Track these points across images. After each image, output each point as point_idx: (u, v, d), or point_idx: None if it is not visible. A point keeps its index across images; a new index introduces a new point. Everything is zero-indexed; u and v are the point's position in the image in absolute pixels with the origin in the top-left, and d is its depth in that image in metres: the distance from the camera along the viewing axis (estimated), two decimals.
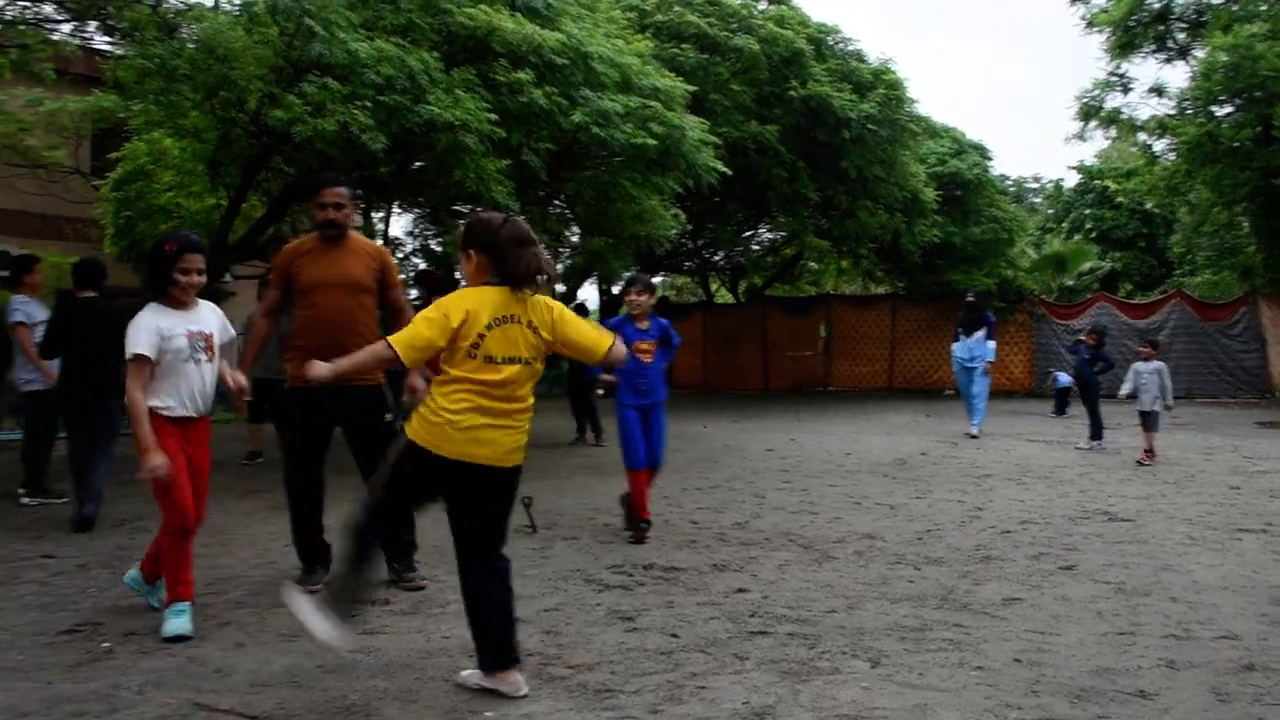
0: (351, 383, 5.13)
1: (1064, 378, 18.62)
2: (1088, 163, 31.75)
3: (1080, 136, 23.62)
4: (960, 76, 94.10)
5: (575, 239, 17.80)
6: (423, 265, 28.53)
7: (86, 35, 12.37)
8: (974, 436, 13.71)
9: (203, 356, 4.66)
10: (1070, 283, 26.78)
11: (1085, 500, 8.38)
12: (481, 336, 3.62)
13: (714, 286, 30.54)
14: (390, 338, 3.67)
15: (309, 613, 3.70)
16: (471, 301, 3.66)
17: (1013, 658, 4.19)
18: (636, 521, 6.75)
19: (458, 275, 16.25)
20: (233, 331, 4.97)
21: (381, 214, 25.29)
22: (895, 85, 19.05)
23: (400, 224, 41.51)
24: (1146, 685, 3.86)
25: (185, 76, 9.13)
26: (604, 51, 10.07)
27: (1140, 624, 4.72)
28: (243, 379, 5.18)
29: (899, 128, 18.94)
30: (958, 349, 14.15)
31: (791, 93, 17.67)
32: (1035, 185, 43.44)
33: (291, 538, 5.56)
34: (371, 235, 25.47)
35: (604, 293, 24.44)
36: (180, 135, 12.39)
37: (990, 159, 24.07)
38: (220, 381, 4.94)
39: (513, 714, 3.55)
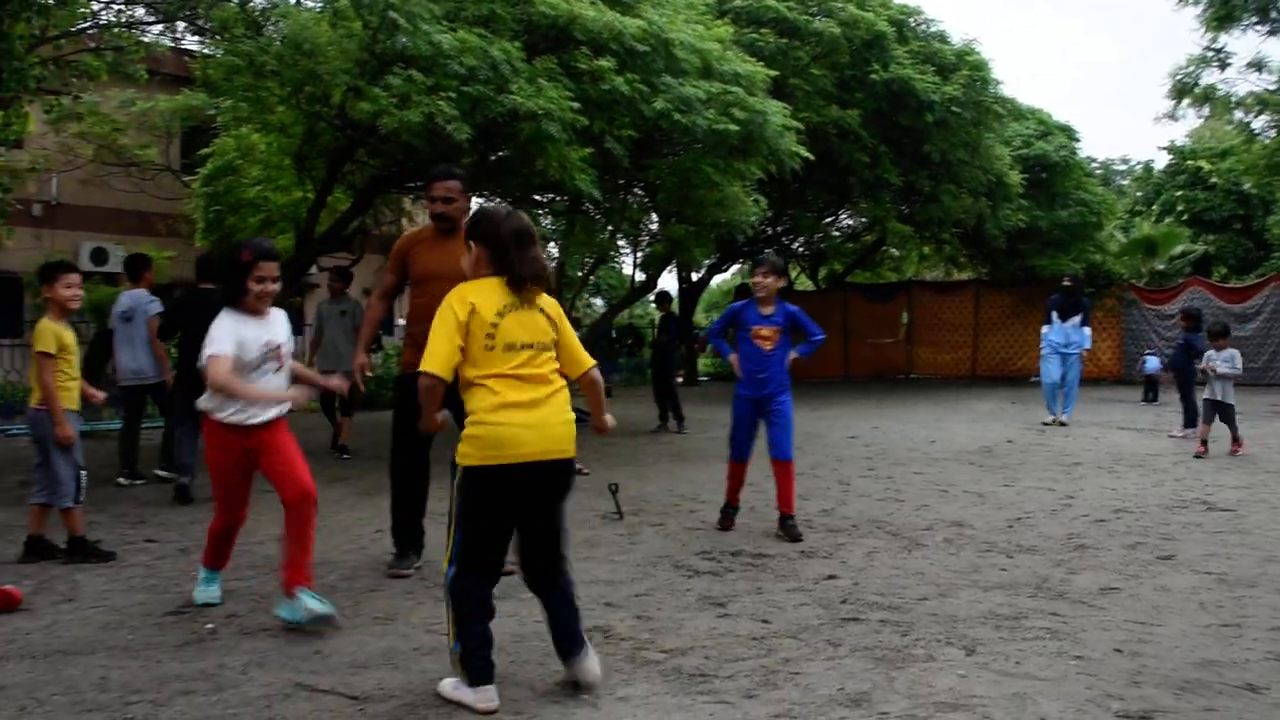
0: None
1: (1152, 362, 18.23)
2: (1179, 143, 30.82)
3: (1172, 115, 22.93)
4: (1047, 54, 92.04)
5: (654, 227, 17.76)
6: None
7: (176, 35, 12.69)
8: (1063, 424, 13.30)
9: (270, 366, 4.68)
10: (1161, 267, 26.05)
11: (1181, 489, 8.18)
12: (495, 325, 3.58)
13: (794, 274, 30.30)
14: (422, 366, 3.59)
15: (458, 693, 3.58)
16: (474, 293, 3.64)
17: (1113, 648, 4.11)
18: (724, 507, 6.68)
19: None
20: (293, 337, 4.97)
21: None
22: (980, 67, 18.66)
23: None
24: (1255, 679, 3.76)
25: (273, 72, 9.30)
26: (685, 37, 10.03)
27: (1246, 616, 4.59)
28: (335, 381, 5.29)
29: (983, 110, 18.55)
30: (1052, 334, 13.61)
31: (873, 76, 17.42)
32: (1123, 167, 42.37)
33: (391, 520, 5.66)
34: None
35: (683, 281, 24.41)
36: (267, 130, 12.65)
37: (1078, 140, 23.49)
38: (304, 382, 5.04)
39: (609, 697, 3.58)
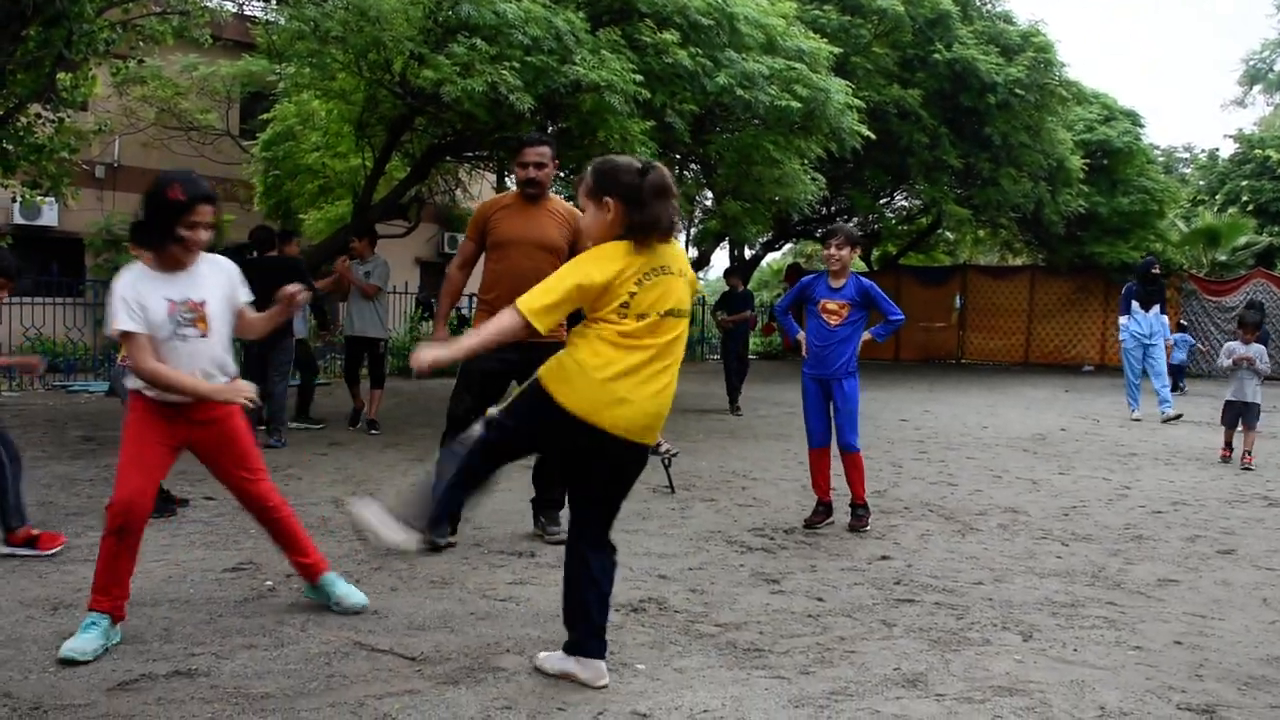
0: (533, 340, 5.06)
1: (1180, 354, 18.07)
2: (1247, 130, 30.16)
3: (1241, 102, 22.46)
4: (1114, 35, 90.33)
5: (708, 202, 17.70)
6: None
7: (239, 1, 12.78)
8: (1175, 418, 12.40)
9: (190, 331, 3.83)
10: (1223, 258, 25.53)
11: (1241, 483, 8.05)
12: (632, 295, 3.29)
13: (873, 256, 30.09)
14: (519, 303, 3.26)
15: (376, 519, 3.38)
16: (618, 259, 3.31)
17: (1173, 640, 4.06)
18: (817, 505, 6.13)
19: None
20: (247, 292, 4.17)
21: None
22: (1045, 48, 18.35)
23: None
24: None
25: (336, 38, 9.34)
26: (749, 12, 9.96)
27: None
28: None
29: (1047, 93, 18.25)
30: (1135, 323, 12.75)
31: (936, 56, 17.20)
32: (1186, 154, 41.52)
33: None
34: None
35: (735, 258, 24.32)
36: (328, 97, 12.73)
37: (1142, 126, 23.06)
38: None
39: (665, 669, 3.60)
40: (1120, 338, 13.00)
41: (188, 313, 3.83)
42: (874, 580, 4.87)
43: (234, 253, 8.50)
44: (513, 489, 6.99)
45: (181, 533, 5.57)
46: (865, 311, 6.00)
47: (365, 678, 3.46)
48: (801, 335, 6.22)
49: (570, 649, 3.51)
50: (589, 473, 3.48)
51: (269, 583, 4.62)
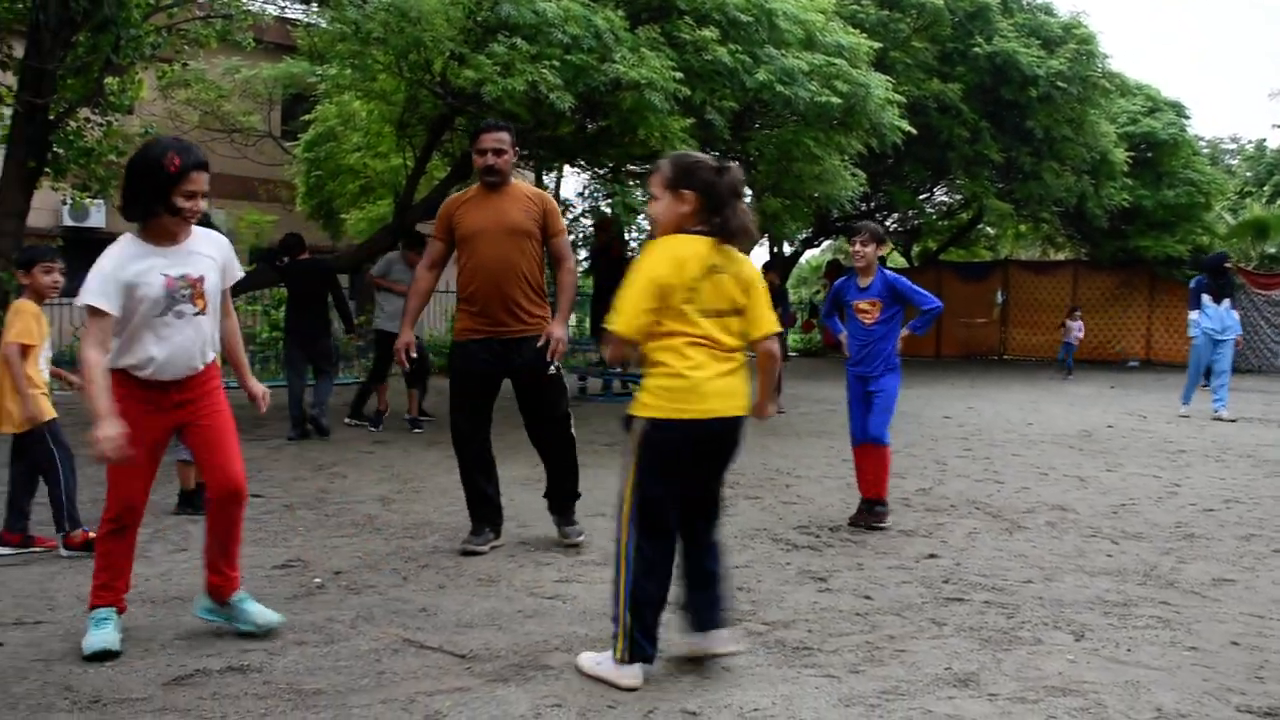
0: (514, 333, 5.15)
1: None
2: None
3: None
4: (1156, 25, 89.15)
5: (748, 199, 17.68)
6: (591, 226, 28.86)
7: (281, 4, 12.91)
8: (1228, 420, 12.08)
9: (189, 309, 3.65)
10: (1272, 250, 25.13)
11: None
12: (693, 290, 3.37)
13: (886, 251, 29.90)
14: (608, 323, 3.40)
15: (600, 669, 3.46)
16: (681, 250, 3.40)
17: (1230, 640, 3.99)
18: (865, 503, 6.04)
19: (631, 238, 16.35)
20: (240, 270, 4.05)
21: (552, 175, 25.69)
22: (1087, 40, 18.15)
23: (571, 185, 42.11)
24: None
25: (377, 39, 9.39)
26: (788, 8, 9.91)
27: None
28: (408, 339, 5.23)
29: (1090, 85, 18.05)
30: (1207, 318, 12.27)
31: (976, 49, 17.06)
32: (1233, 145, 40.93)
33: (465, 495, 5.41)
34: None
35: (774, 255, 24.23)
36: (369, 98, 12.80)
37: (1188, 118, 22.74)
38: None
39: (714, 666, 3.59)
40: (1190, 333, 12.57)
41: (185, 288, 3.64)
42: (922, 578, 4.83)
43: (265, 257, 8.68)
44: None
45: None
46: (899, 307, 5.99)
47: (415, 675, 3.49)
48: (843, 335, 6.24)
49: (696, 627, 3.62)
50: (706, 469, 3.65)
51: (318, 580, 4.66)
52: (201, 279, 3.69)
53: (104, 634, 3.61)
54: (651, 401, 3.43)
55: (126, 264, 3.54)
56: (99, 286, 3.48)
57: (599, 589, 4.56)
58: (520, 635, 3.92)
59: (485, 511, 5.35)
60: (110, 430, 3.39)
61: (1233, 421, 11.99)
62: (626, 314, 3.38)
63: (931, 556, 5.26)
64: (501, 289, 5.13)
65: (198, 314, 3.68)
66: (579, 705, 3.23)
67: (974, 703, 3.31)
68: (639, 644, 3.41)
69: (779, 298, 12.59)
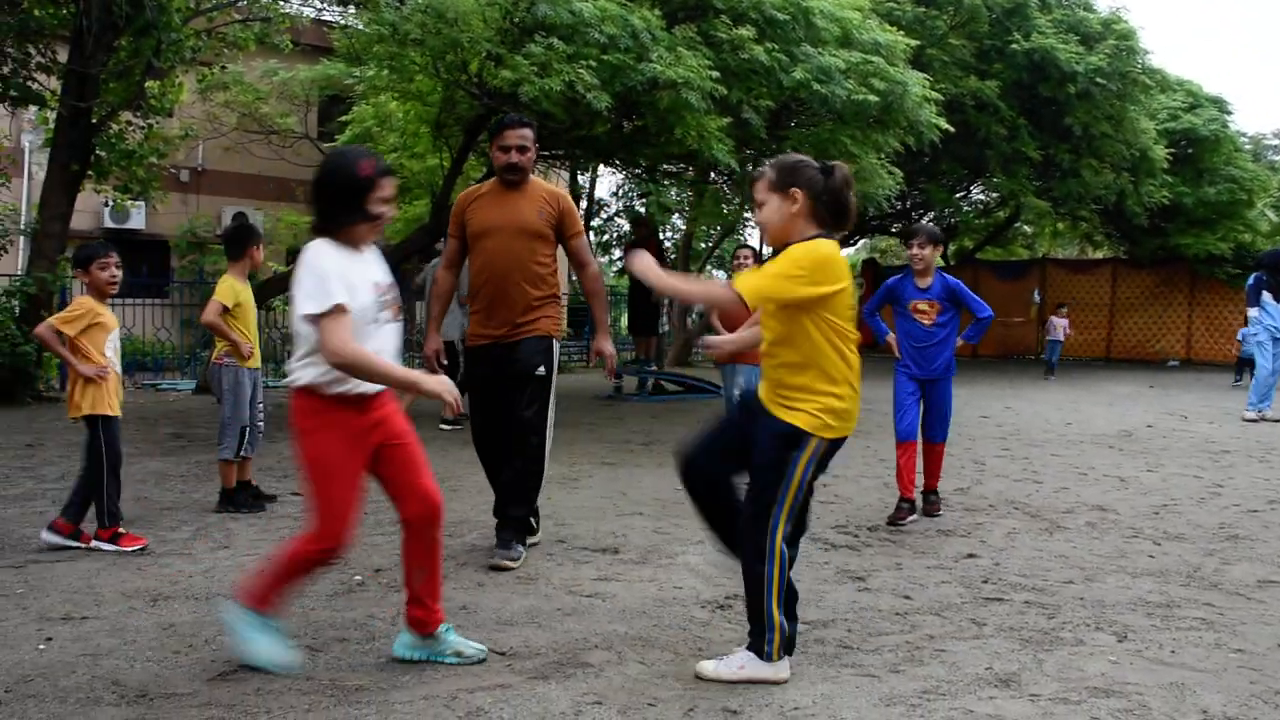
0: (518, 335, 5.02)
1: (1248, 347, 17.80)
2: None
3: None
4: (1198, 19, 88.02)
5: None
6: (626, 226, 28.87)
7: (318, 6, 13.02)
8: (1273, 419, 11.76)
9: (386, 315, 3.50)
10: None
11: None
12: (846, 290, 3.43)
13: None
14: (738, 284, 3.33)
15: (742, 671, 3.44)
16: (840, 257, 3.42)
17: (1276, 643, 3.94)
18: (900, 501, 6.09)
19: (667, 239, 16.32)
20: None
21: (587, 175, 25.73)
22: (1127, 36, 17.95)
23: (605, 185, 42.12)
24: None
25: (415, 41, 9.46)
26: (825, 6, 9.88)
27: None
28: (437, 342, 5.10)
29: (1129, 81, 17.86)
30: (1268, 315, 11.84)
31: (1014, 46, 16.92)
32: (1276, 141, 40.29)
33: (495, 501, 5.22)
34: (577, 196, 25.98)
35: None
36: (405, 99, 12.89)
37: (1230, 113, 22.44)
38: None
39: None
40: (1250, 331, 12.19)
41: (384, 295, 3.49)
42: (961, 578, 4.81)
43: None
44: (593, 485, 7.04)
45: (271, 528, 5.69)
46: (955, 310, 6.04)
47: (456, 672, 3.51)
48: (891, 337, 6.24)
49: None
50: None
51: (358, 577, 4.70)
52: (392, 285, 3.57)
53: (271, 643, 3.43)
54: (822, 419, 3.40)
55: (343, 267, 3.33)
56: (334, 285, 3.25)
57: (637, 588, 4.57)
58: (560, 633, 3.93)
59: (517, 522, 5.14)
60: (432, 380, 3.35)
61: (1275, 421, 11.82)
62: (761, 290, 3.36)
63: (970, 556, 5.23)
64: (508, 290, 4.99)
65: (392, 322, 3.55)
66: (620, 703, 3.24)
67: (1015, 703, 3.29)
68: (790, 639, 3.47)
69: None
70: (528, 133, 5.07)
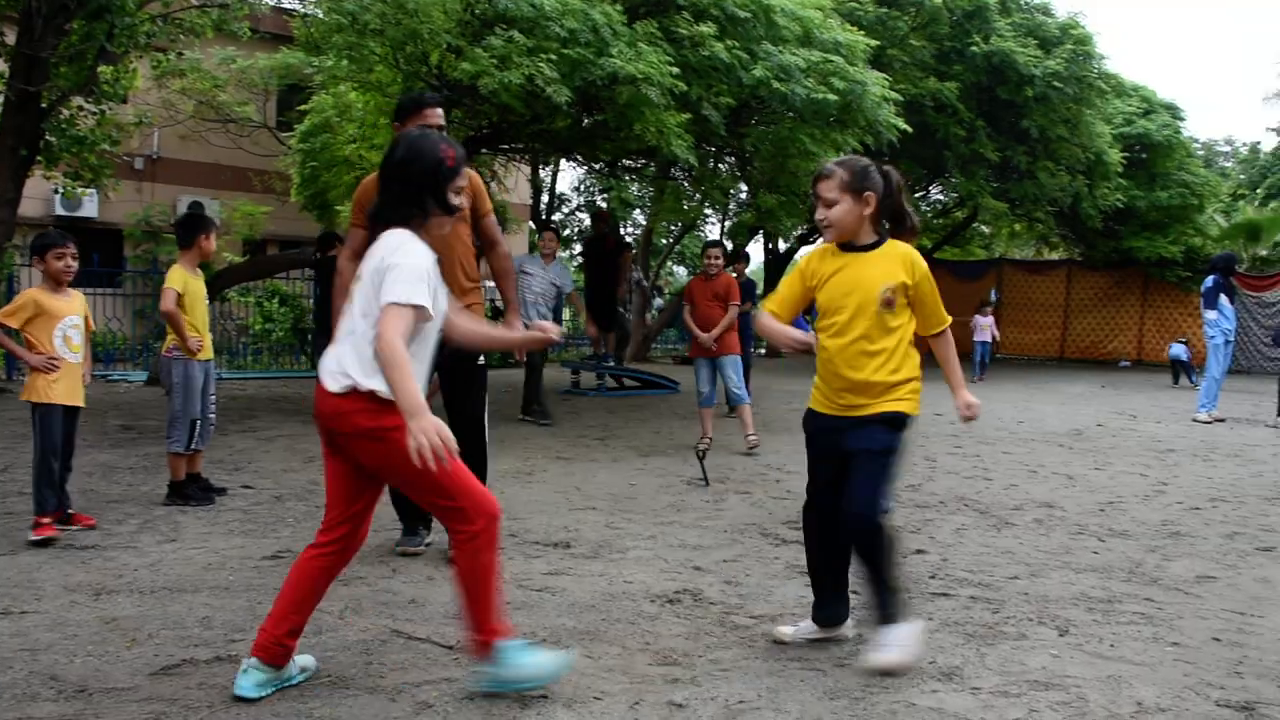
0: None
1: (1177, 349, 18.65)
2: None
3: None
4: (1152, 27, 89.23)
5: (744, 195, 17.66)
6: (587, 220, 28.85)
7: None
8: (1204, 421, 12.00)
9: (434, 326, 3.26)
10: (1264, 253, 25.19)
11: None
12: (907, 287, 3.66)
13: None
14: (944, 320, 3.72)
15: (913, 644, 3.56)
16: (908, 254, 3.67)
17: (1211, 636, 4.02)
18: None
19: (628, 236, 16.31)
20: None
21: (548, 169, 25.66)
22: (1084, 41, 18.15)
23: (566, 180, 42.06)
24: None
25: (374, 31, 9.38)
26: (785, 5, 9.91)
27: None
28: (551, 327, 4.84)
29: (1086, 86, 18.06)
30: (1224, 318, 12.11)
31: (973, 48, 17.06)
32: (1227, 148, 41.00)
33: (391, 495, 4.98)
34: (538, 190, 25.89)
35: (770, 251, 24.25)
36: (365, 89, 12.78)
37: (1183, 119, 22.79)
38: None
39: (701, 659, 3.60)
40: (1208, 334, 12.21)
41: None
42: (909, 574, 4.84)
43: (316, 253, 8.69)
44: (548, 480, 7.04)
45: (220, 521, 5.64)
46: None
47: (403, 665, 3.50)
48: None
49: (822, 621, 3.80)
50: None
51: None
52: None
53: (542, 657, 3.25)
54: (916, 404, 3.66)
55: (433, 268, 3.14)
56: (424, 285, 3.05)
57: (588, 582, 4.58)
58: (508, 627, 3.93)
59: (421, 512, 5.08)
60: (430, 423, 2.87)
61: (1222, 421, 12.03)
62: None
63: (919, 552, 5.29)
64: (444, 279, 4.95)
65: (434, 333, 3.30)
66: (565, 696, 3.24)
67: (957, 696, 3.33)
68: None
69: (747, 290, 12.68)
70: (442, 112, 4.98)
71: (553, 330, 3.70)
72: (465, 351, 4.82)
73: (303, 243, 18.88)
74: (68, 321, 5.33)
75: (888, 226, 3.70)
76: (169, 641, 3.68)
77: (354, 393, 3.07)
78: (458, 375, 5.00)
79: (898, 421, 3.58)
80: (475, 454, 5.00)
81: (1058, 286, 24.64)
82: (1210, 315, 12.15)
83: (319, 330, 10.20)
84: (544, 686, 3.21)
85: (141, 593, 4.27)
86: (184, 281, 5.99)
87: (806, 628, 3.82)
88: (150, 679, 3.32)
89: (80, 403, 5.42)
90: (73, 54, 10.05)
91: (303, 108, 15.75)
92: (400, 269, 3.02)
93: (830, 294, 3.67)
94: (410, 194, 3.17)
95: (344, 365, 3.11)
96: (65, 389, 5.28)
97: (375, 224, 3.22)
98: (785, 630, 3.83)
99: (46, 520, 5.12)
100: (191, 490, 6.09)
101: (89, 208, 17.68)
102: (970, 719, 3.15)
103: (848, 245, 3.65)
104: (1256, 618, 4.31)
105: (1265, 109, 46.17)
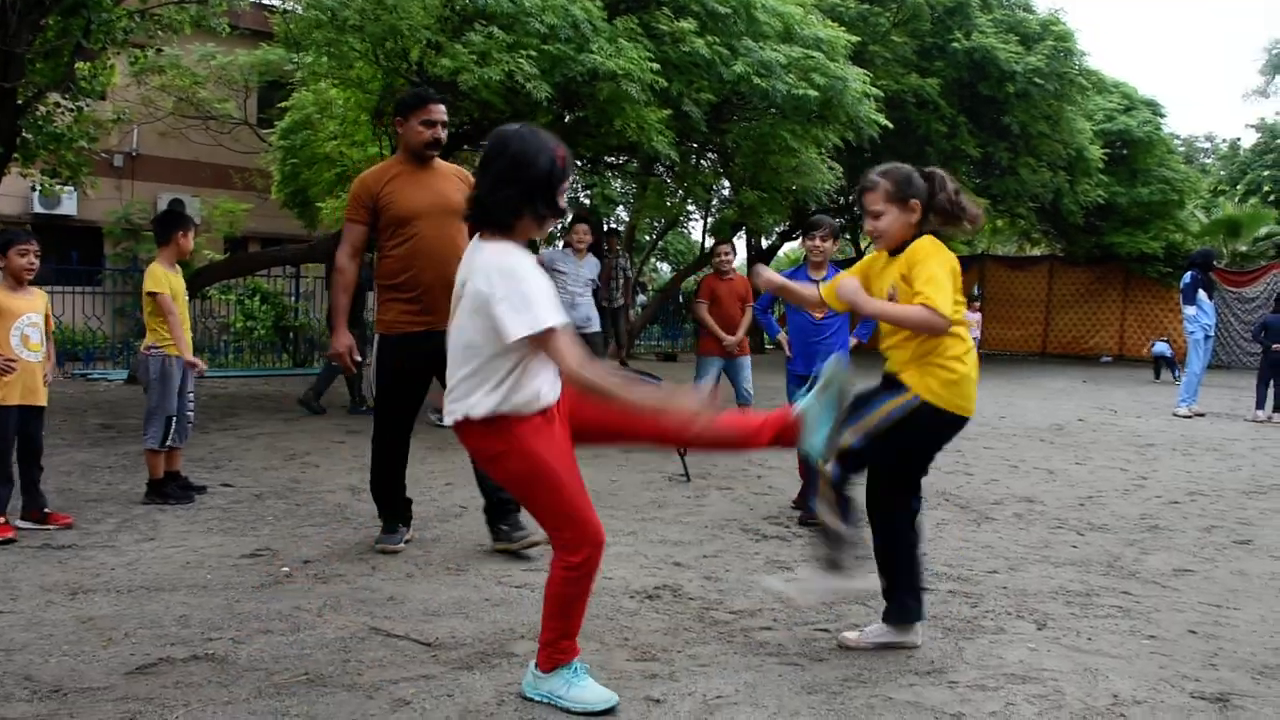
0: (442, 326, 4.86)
1: (1160, 346, 18.71)
2: (1269, 120, 29.89)
3: (1263, 92, 22.24)
4: (1133, 23, 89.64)
5: (725, 191, 17.68)
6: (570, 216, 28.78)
7: None
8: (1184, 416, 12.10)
9: None
10: (1244, 249, 25.33)
11: (1259, 474, 8.00)
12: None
13: (864, 244, 30.03)
14: (938, 306, 3.43)
15: (826, 584, 3.64)
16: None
17: (1187, 629, 4.05)
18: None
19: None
20: None
21: None
22: (1065, 37, 18.20)
23: None
24: None
25: (354, 27, 9.34)
26: (767, 1, 9.92)
27: None
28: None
29: (1067, 82, 18.10)
30: (1204, 314, 12.13)
31: (955, 44, 17.10)
32: (1207, 144, 41.19)
33: (372, 492, 5.15)
34: None
35: (752, 247, 24.27)
36: (345, 86, 12.73)
37: (1163, 115, 22.89)
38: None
39: (679, 655, 3.61)
40: (1187, 330, 12.27)
41: None
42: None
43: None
44: None
45: (199, 519, 5.61)
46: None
47: (381, 663, 3.49)
48: (783, 335, 6.23)
49: (893, 619, 3.73)
50: (927, 454, 3.80)
51: (285, 569, 4.65)
52: None
53: (599, 688, 3.15)
54: (938, 390, 3.55)
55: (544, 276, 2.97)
56: (553, 302, 2.89)
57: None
58: (487, 624, 3.93)
59: (401, 510, 5.12)
60: (686, 398, 2.92)
61: (1202, 416, 12.10)
62: (949, 299, 3.49)
63: None
64: (445, 276, 4.72)
65: None
66: None
67: (934, 690, 3.34)
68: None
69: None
70: (445, 108, 4.94)
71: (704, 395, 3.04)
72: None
73: (283, 240, 18.83)
74: (26, 320, 5.30)
75: (936, 225, 3.67)
76: (145, 640, 3.65)
77: (471, 422, 3.00)
78: None
79: None
80: None
81: (1040, 282, 24.72)
82: (1189, 311, 12.19)
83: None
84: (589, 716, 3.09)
85: (118, 592, 4.24)
86: (165, 280, 5.96)
87: (876, 630, 3.77)
88: (126, 678, 3.31)
89: (41, 402, 5.40)
90: (49, 49, 9.96)
91: (283, 105, 15.68)
92: (530, 294, 2.85)
93: None
94: (520, 196, 2.95)
95: (453, 395, 3.04)
96: (21, 389, 5.25)
97: (474, 224, 3.07)
98: (850, 636, 3.77)
99: (2, 520, 5.09)
100: (170, 489, 6.06)
101: (68, 205, 17.57)
102: (947, 712, 3.17)
103: (896, 249, 3.69)
104: (1232, 610, 4.34)
105: (1245, 106, 46.51)
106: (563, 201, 3.02)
